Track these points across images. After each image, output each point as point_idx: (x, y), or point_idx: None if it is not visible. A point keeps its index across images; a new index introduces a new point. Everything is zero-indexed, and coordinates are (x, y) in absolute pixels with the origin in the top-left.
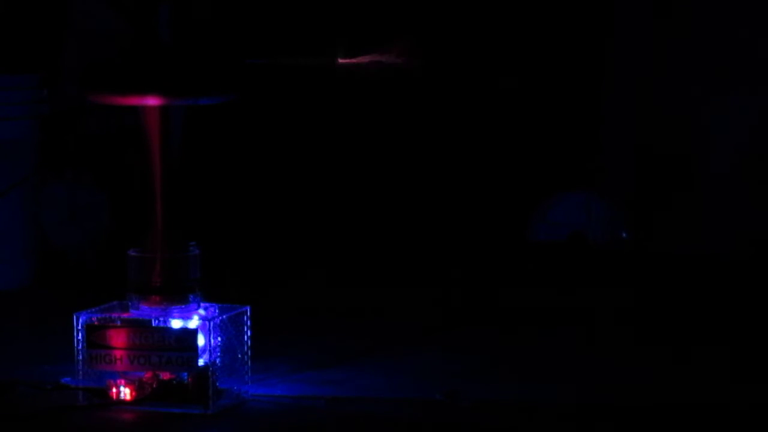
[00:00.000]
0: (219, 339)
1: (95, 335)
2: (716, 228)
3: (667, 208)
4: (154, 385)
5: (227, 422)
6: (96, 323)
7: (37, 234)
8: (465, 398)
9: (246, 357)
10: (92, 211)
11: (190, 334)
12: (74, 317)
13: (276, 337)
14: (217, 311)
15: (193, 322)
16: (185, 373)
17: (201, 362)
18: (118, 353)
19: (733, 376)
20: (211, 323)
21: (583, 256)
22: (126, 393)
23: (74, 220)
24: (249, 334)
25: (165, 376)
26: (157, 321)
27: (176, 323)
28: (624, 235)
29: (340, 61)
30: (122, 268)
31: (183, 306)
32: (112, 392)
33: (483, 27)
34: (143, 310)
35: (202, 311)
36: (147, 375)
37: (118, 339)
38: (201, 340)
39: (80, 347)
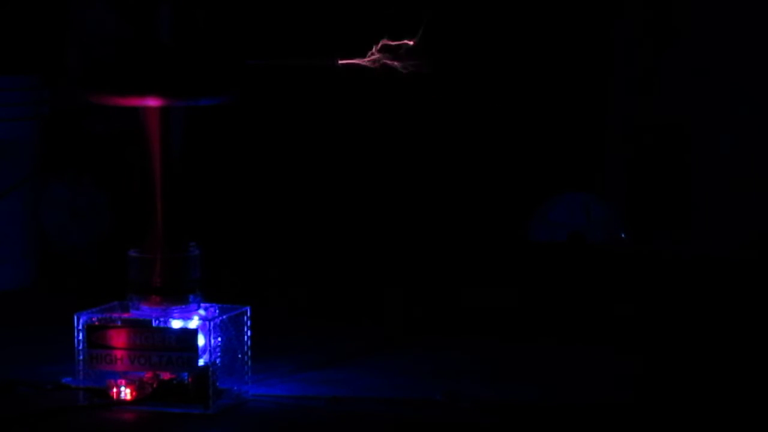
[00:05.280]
0: (219, 339)
1: (96, 335)
2: (716, 229)
3: (666, 208)
4: (155, 385)
5: (227, 422)
6: (96, 323)
7: (38, 234)
8: (465, 398)
9: (246, 357)
10: (93, 211)
11: (191, 335)
12: (75, 317)
13: (276, 338)
14: (217, 311)
15: (194, 323)
16: (185, 373)
17: (201, 362)
18: (118, 353)
19: (732, 377)
20: (211, 323)
21: (582, 257)
22: (126, 393)
23: (75, 221)
24: (249, 334)
25: (165, 376)
26: (157, 321)
27: (176, 323)
28: (623, 235)
29: (340, 61)
30: (123, 269)
31: (183, 306)
32: (113, 392)
33: (484, 27)
34: (143, 311)
35: (202, 311)
36: (147, 375)
37: (118, 339)
38: (201, 341)
39: (81, 347)
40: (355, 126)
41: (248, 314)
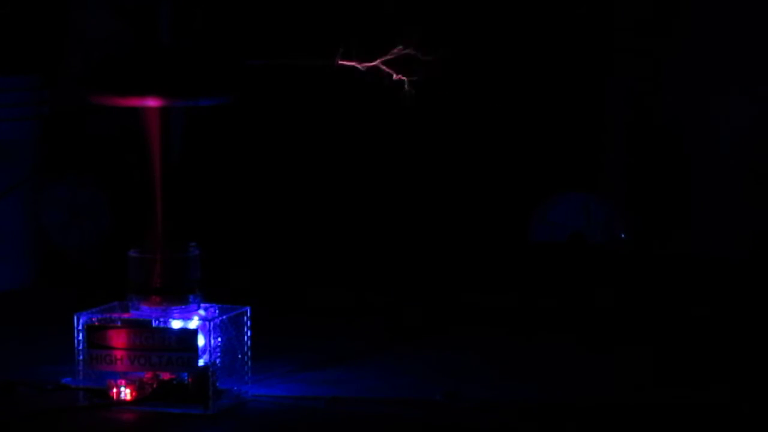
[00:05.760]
0: (219, 339)
1: (96, 336)
2: (715, 229)
3: (665, 209)
4: (155, 386)
5: (227, 422)
6: (96, 324)
7: (38, 234)
8: (465, 399)
9: (246, 357)
10: (93, 211)
11: (190, 335)
12: (75, 318)
13: (276, 337)
14: (217, 312)
15: (193, 323)
16: (185, 374)
17: (201, 363)
18: (118, 354)
19: (732, 376)
20: (211, 324)
21: (582, 257)
22: (126, 393)
23: (75, 221)
24: (249, 334)
25: (165, 376)
26: (157, 321)
27: (176, 324)
28: (623, 236)
29: (340, 62)
30: (123, 269)
31: (183, 306)
32: (113, 392)
33: (484, 27)
34: (143, 311)
35: (202, 312)
36: (147, 375)
37: (118, 339)
38: (201, 341)
39: (81, 348)
40: (354, 126)
41: (248, 314)
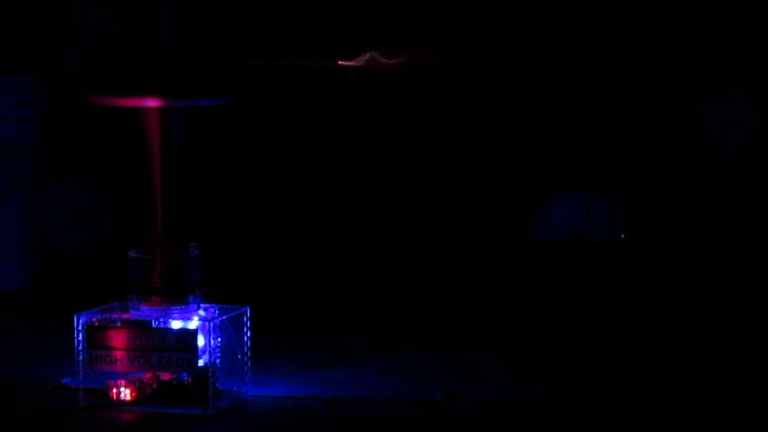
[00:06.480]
0: (219, 340)
1: (95, 336)
2: (714, 230)
3: (665, 209)
4: (154, 386)
5: (227, 423)
6: (96, 324)
7: (38, 234)
8: (465, 399)
9: (246, 357)
10: (93, 211)
11: (190, 335)
12: (75, 318)
13: (276, 338)
14: (216, 312)
15: (193, 323)
16: (185, 374)
17: (201, 363)
18: (118, 354)
19: (731, 376)
20: (211, 324)
21: (582, 258)
22: (126, 393)
23: (75, 221)
24: (249, 334)
25: (165, 376)
26: (157, 322)
27: (176, 324)
28: (622, 236)
29: (340, 61)
30: (122, 269)
31: (183, 307)
32: (113, 393)
33: (484, 27)
34: (143, 311)
35: (201, 312)
36: (147, 376)
37: (118, 340)
38: (201, 341)
39: (80, 348)
40: (354, 126)
41: (248, 314)
